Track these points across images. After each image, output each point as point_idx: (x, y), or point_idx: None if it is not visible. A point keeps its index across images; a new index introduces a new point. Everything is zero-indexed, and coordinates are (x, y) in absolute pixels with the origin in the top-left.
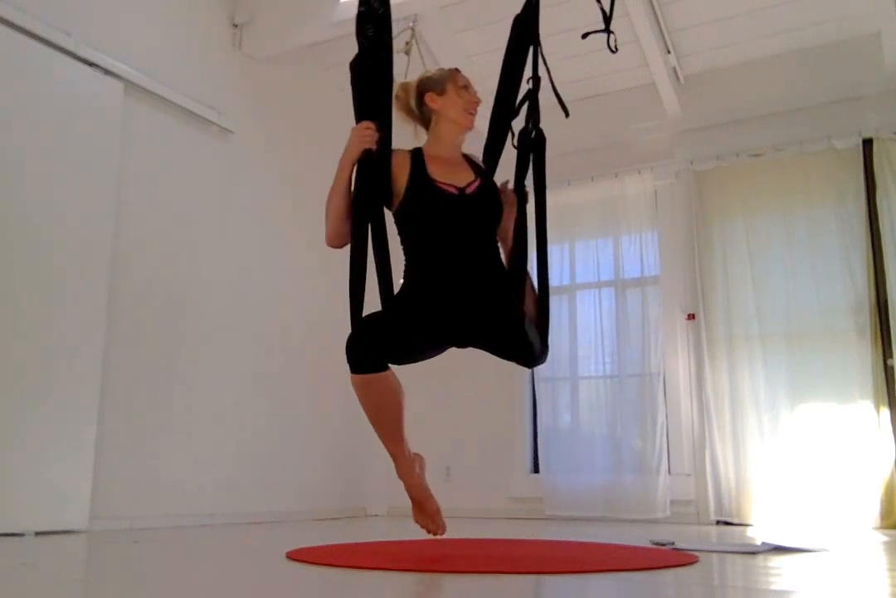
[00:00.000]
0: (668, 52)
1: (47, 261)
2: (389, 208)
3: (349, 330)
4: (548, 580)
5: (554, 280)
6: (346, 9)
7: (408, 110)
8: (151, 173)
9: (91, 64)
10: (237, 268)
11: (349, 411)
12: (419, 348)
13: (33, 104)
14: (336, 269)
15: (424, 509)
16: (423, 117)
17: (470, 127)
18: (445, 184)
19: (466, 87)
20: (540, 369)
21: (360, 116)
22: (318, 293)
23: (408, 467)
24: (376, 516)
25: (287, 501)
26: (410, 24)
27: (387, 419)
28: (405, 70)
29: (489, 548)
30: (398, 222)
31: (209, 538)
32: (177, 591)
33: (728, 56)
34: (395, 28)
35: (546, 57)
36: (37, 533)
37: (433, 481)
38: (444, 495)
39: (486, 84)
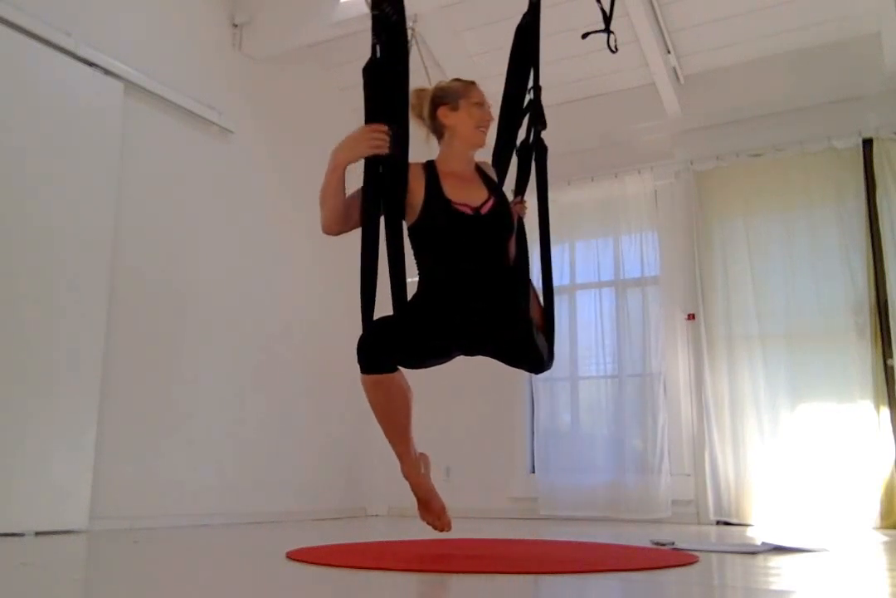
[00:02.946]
0: (668, 52)
1: (47, 261)
2: (402, 219)
3: (359, 331)
4: (548, 580)
5: (554, 280)
6: (346, 9)
7: (420, 119)
8: (151, 173)
9: (91, 64)
10: (237, 268)
11: (349, 410)
12: (430, 353)
13: (33, 104)
14: (336, 269)
15: (430, 507)
16: (436, 129)
17: (481, 145)
18: (460, 204)
19: (480, 103)
20: None
21: (370, 121)
22: (318, 293)
23: (414, 466)
24: (376, 516)
25: (287, 501)
26: (410, 24)
27: (395, 420)
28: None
29: (489, 548)
30: (411, 236)
31: (209, 538)
32: (177, 591)
33: (728, 56)
34: None
35: (546, 57)
36: (37, 533)
37: (434, 481)
38: (444, 495)
39: (486, 84)
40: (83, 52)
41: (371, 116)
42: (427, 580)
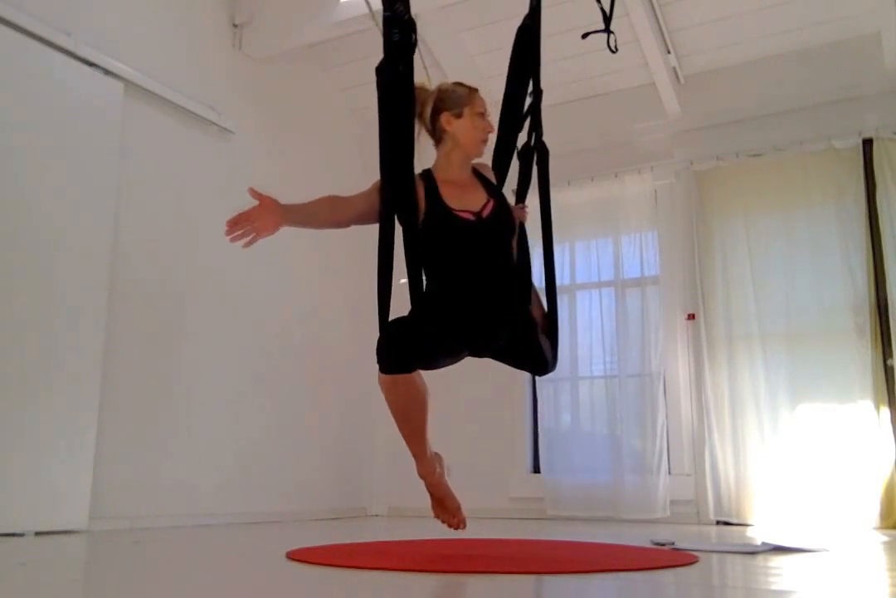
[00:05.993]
0: (668, 52)
1: (47, 261)
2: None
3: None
4: (548, 580)
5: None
6: (346, 9)
7: (420, 119)
8: (151, 173)
9: (91, 64)
10: (237, 268)
11: (349, 411)
12: (444, 354)
13: (33, 104)
14: (336, 269)
15: (445, 505)
16: (434, 132)
17: (479, 155)
18: (462, 211)
19: (483, 113)
20: None
21: (384, 121)
22: (318, 293)
23: (430, 466)
24: (376, 516)
25: (287, 501)
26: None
27: (412, 420)
28: None
29: (489, 548)
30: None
31: (209, 538)
32: (177, 591)
33: (728, 56)
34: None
35: (546, 57)
36: (37, 533)
37: None
38: None
39: (486, 84)
40: (83, 52)
41: (385, 116)
42: (427, 580)
